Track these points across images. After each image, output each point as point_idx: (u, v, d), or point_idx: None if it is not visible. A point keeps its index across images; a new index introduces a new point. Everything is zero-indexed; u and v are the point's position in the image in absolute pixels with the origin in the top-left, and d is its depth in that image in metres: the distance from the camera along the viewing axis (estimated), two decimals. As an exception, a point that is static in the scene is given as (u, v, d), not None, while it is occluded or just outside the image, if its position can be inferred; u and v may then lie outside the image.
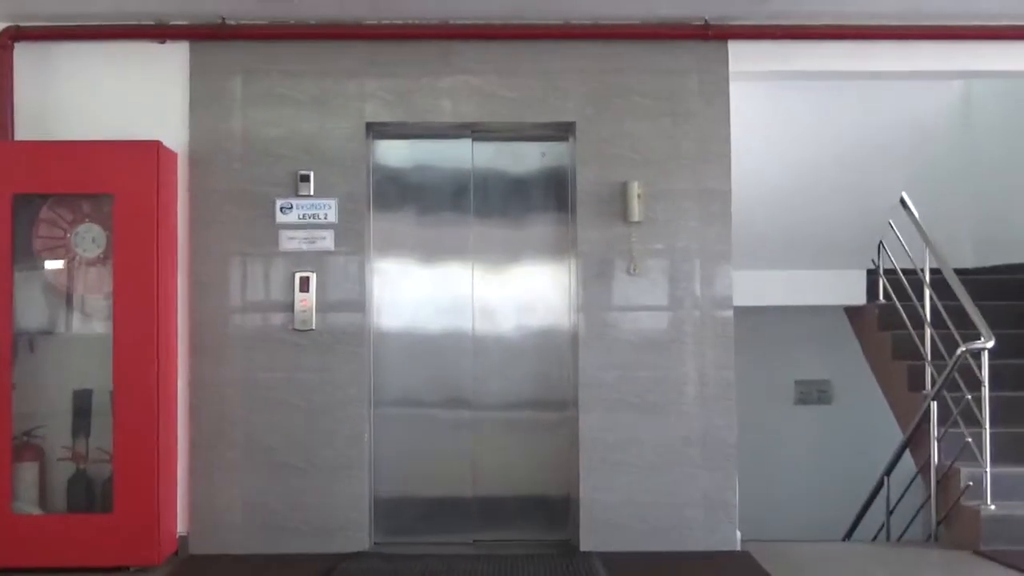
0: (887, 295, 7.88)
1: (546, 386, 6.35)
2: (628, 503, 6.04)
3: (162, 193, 5.73)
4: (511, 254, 6.38)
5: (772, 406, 9.15)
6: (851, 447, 9.00)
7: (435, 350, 6.33)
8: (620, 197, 6.07)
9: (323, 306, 6.05)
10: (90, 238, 5.83)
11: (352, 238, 6.08)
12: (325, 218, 6.06)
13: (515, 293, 6.38)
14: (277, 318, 6.04)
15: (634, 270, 6.06)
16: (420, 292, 6.34)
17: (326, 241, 6.07)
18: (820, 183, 7.27)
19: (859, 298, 8.12)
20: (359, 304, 6.07)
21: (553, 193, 6.36)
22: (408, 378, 6.32)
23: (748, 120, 6.33)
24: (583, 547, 6.03)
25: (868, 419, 8.93)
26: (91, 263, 5.85)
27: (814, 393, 9.30)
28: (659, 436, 6.07)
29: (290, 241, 6.06)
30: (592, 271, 6.09)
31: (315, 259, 6.06)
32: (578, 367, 6.09)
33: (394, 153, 6.36)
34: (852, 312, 8.51)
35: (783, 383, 9.36)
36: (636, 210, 6.02)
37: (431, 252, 6.36)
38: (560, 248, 6.32)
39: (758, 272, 7.57)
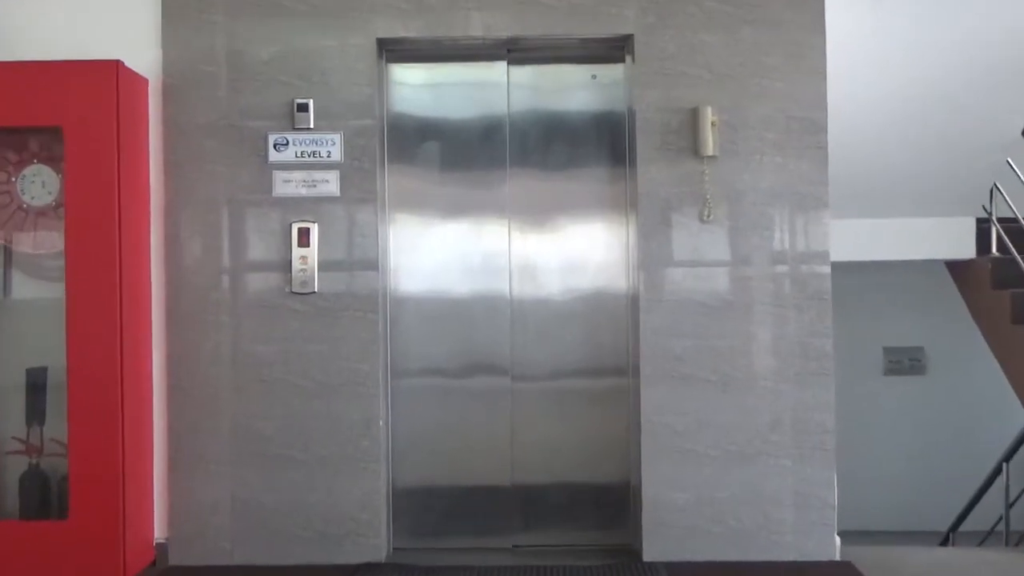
0: (1002, 247, 6.64)
1: (599, 357, 5.22)
2: (701, 501, 4.93)
3: (126, 126, 4.65)
4: (554, 201, 5.24)
5: (857, 377, 7.98)
6: (950, 425, 7.83)
7: (465, 317, 5.23)
8: (689, 126, 4.91)
9: (327, 264, 4.96)
10: (39, 183, 4.78)
11: (362, 181, 4.97)
12: (328, 156, 4.96)
13: (560, 247, 5.24)
14: (271, 279, 4.96)
15: (707, 216, 4.92)
16: (446, 247, 5.22)
17: (330, 185, 4.96)
18: (924, 113, 6.04)
19: (967, 251, 6.88)
20: (371, 261, 4.97)
21: (606, 127, 5.21)
22: (432, 351, 5.21)
23: (839, 36, 5.12)
24: (646, 556, 4.92)
25: (971, 392, 7.77)
26: (42, 213, 4.80)
27: (905, 362, 8.12)
28: (739, 419, 4.94)
29: (286, 185, 4.96)
30: (655, 219, 4.95)
31: (316, 207, 4.96)
32: (639, 336, 4.96)
33: (413, 77, 5.24)
34: (957, 267, 7.29)
35: (870, 351, 8.18)
36: (710, 142, 4.87)
37: (459, 200, 5.23)
38: (614, 192, 5.18)
39: (844, 221, 6.37)
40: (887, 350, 8.16)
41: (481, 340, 5.22)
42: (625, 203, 5.14)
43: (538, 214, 5.23)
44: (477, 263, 5.22)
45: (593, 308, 5.21)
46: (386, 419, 5.07)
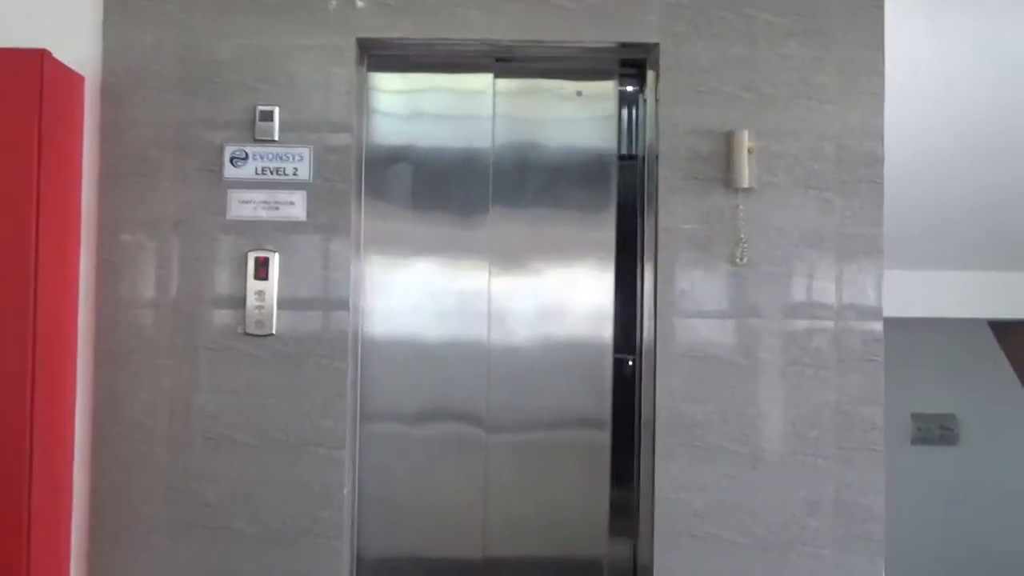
0: (1060, 306, 5.91)
1: (598, 417, 4.45)
2: (725, 598, 4.16)
3: (52, 130, 3.88)
4: (545, 244, 4.47)
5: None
6: (987, 504, 7.04)
7: (448, 366, 4.44)
8: (722, 153, 4.17)
9: (288, 302, 4.18)
10: (-54, 193, 4.01)
11: (333, 206, 4.20)
12: (294, 174, 4.20)
13: (549, 297, 4.47)
14: (221, 317, 4.18)
15: (741, 259, 4.16)
16: (433, 286, 4.44)
17: (295, 208, 4.19)
18: (984, 148, 5.28)
19: (1020, 310, 6.13)
20: (341, 301, 4.20)
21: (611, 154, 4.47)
22: (406, 404, 4.43)
23: (897, 55, 4.39)
24: (657, 662, 4.15)
25: (1009, 466, 7.00)
26: (-52, 230, 4.02)
27: (935, 431, 7.33)
28: (772, 499, 4.17)
29: (243, 206, 4.19)
30: (677, 260, 4.20)
31: (278, 234, 4.19)
32: (654, 397, 4.19)
33: (398, 86, 4.48)
34: (1004, 328, 6.53)
35: (896, 416, 7.39)
36: (745, 171, 4.12)
37: (445, 235, 4.46)
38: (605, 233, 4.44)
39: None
40: (915, 416, 7.37)
41: (465, 397, 4.44)
42: (637, 241, 4.39)
43: (522, 257, 4.45)
44: (469, 303, 4.44)
45: (587, 364, 4.43)
46: (352, 486, 4.28)
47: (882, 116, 4.21)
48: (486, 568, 4.44)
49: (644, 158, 4.39)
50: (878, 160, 4.19)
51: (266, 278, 4.15)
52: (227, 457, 4.15)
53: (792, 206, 4.19)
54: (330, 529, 4.16)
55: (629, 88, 4.51)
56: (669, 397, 4.18)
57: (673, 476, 4.17)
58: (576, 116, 4.46)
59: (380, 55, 4.39)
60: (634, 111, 4.50)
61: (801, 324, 4.19)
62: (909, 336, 7.04)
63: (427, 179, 4.43)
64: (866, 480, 4.17)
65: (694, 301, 4.20)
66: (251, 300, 4.14)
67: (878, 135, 4.20)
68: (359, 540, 4.36)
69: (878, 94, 4.21)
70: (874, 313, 4.20)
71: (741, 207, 4.17)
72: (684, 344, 4.19)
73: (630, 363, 4.49)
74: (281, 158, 4.18)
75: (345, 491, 4.18)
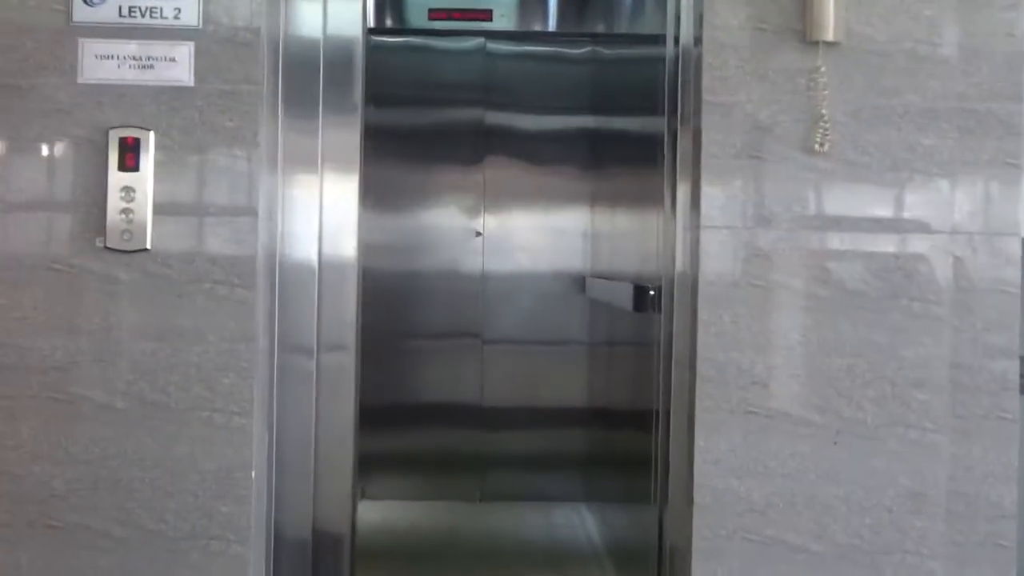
0: None
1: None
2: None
3: None
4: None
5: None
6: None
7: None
8: (794, -10, 2.90)
9: (169, 205, 2.89)
10: None
11: (236, 62, 2.90)
12: (177, 18, 2.89)
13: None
14: (70, 225, 2.88)
15: (821, 145, 2.88)
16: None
17: (178, 67, 2.88)
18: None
19: None
20: (246, 204, 2.91)
21: None
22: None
23: None
24: None
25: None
26: None
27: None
28: (859, 489, 2.94)
29: (102, 64, 2.88)
30: (726, 147, 2.91)
31: (154, 105, 2.89)
32: (693, 344, 2.92)
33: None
34: None
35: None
36: (829, 16, 2.83)
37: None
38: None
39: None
40: None
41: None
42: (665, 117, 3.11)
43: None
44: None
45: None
46: (264, 468, 3.01)
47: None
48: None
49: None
50: None
51: (136, 169, 2.86)
52: (82, 427, 2.88)
53: (894, 69, 2.90)
54: (231, 530, 2.90)
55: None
56: (714, 342, 2.92)
57: (720, 455, 2.92)
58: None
59: None
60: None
61: (903, 241, 2.93)
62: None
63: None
64: (993, 462, 2.92)
65: (752, 207, 2.92)
66: (114, 201, 2.85)
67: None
68: (277, 546, 3.10)
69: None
70: (1010, 226, 2.93)
71: (823, 69, 2.88)
72: (735, 269, 2.92)
73: (651, 293, 3.24)
74: (157, -6, 2.88)
75: (253, 475, 2.92)
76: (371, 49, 4.84)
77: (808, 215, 2.92)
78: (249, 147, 2.89)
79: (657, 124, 3.18)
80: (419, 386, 5.17)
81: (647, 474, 3.29)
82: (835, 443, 2.92)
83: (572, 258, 5.12)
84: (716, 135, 2.90)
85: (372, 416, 4.96)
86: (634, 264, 3.92)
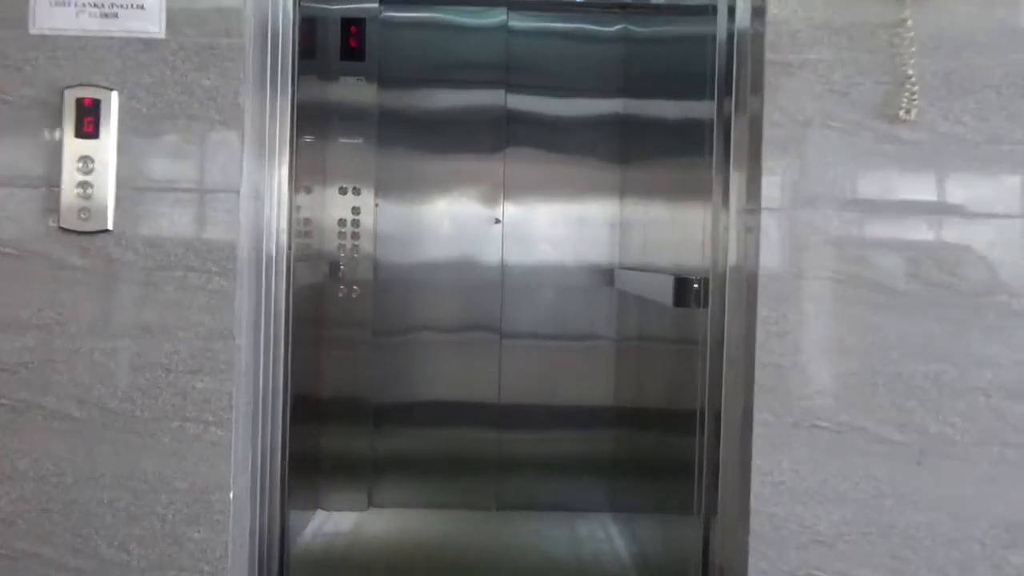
0: None
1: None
2: None
3: None
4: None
5: None
6: None
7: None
8: (875, -76, 2.44)
9: (133, 178, 2.46)
10: None
11: (215, 12, 2.46)
12: (145, -43, 2.46)
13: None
14: (20, 201, 2.45)
15: (907, 111, 2.43)
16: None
17: (146, 16, 2.45)
18: None
19: None
20: (227, 179, 2.47)
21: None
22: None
23: None
24: None
25: None
26: None
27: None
28: (945, 517, 2.50)
29: (58, 12, 2.45)
30: (792, 112, 2.46)
31: (118, 61, 2.45)
32: (750, 346, 2.48)
33: None
34: None
35: None
36: (918, -41, 2.39)
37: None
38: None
39: None
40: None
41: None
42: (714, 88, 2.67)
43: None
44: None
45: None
46: (247, 486, 2.59)
47: None
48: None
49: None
50: None
51: (95, 135, 2.42)
52: (31, 439, 2.46)
53: (995, 23, 2.45)
54: (205, 560, 2.47)
55: None
56: (775, 343, 2.47)
57: (781, 476, 2.48)
58: None
59: None
60: None
61: (1002, 228, 2.47)
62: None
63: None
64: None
65: (822, 186, 2.47)
66: (70, 173, 2.42)
67: None
68: (259, 577, 2.68)
69: None
70: None
71: (910, 23, 2.42)
72: (800, 259, 2.47)
73: (695, 286, 2.80)
74: (121, -69, 2.44)
75: (231, 496, 2.48)
76: (383, 25, 4.46)
77: (889, 196, 2.46)
78: (231, 112, 2.45)
79: (698, 103, 2.74)
80: (431, 383, 4.74)
81: (684, 483, 2.86)
82: (918, 464, 2.47)
83: (599, 248, 4.69)
84: (781, 101, 2.45)
85: (380, 415, 4.60)
86: (671, 255, 3.48)
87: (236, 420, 2.48)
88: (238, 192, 2.47)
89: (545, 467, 4.81)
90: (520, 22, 4.75)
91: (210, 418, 2.46)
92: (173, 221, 2.45)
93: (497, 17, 4.73)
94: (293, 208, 2.73)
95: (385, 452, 4.65)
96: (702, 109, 2.75)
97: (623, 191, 4.66)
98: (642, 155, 4.27)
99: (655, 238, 3.93)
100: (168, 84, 2.45)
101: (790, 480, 2.47)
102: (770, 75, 2.45)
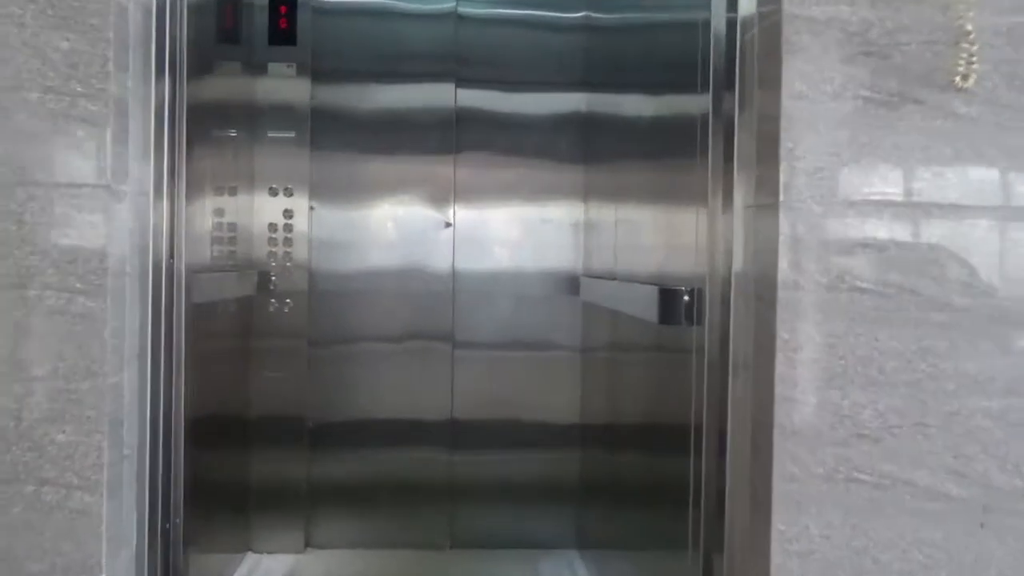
0: None
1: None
2: None
3: None
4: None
5: None
6: None
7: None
8: None
9: (-28, 166, 1.90)
10: None
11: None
12: None
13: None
14: None
15: (965, 76, 1.91)
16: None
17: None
18: None
19: None
20: (94, 172, 1.91)
21: None
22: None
23: None
24: None
25: None
26: None
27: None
28: (1012, 594, 1.98)
29: None
30: (822, 76, 1.94)
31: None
32: (769, 385, 1.96)
33: None
34: None
35: None
36: None
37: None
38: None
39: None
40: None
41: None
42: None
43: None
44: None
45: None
46: (125, 565, 2.02)
47: None
48: None
49: None
50: None
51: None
52: None
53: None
54: (70, 663, 1.91)
55: None
56: (800, 373, 1.94)
57: (809, 544, 1.95)
58: None
59: None
60: None
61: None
62: None
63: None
64: None
65: (857, 174, 1.95)
66: None
67: None
68: None
69: None
70: None
71: (969, -32, 1.91)
72: (831, 266, 1.95)
73: (685, 298, 2.28)
74: None
75: (104, 560, 1.92)
76: (316, 10, 3.95)
77: (942, 184, 1.94)
78: (102, 82, 1.89)
79: (681, 92, 2.21)
80: (376, 400, 4.20)
81: (669, 514, 2.34)
82: (982, 525, 1.95)
83: (561, 253, 4.18)
84: (803, 65, 1.92)
85: (318, 438, 4.08)
86: (649, 261, 2.95)
87: (109, 480, 1.91)
88: (109, 187, 1.90)
89: (504, 494, 4.29)
90: (471, 8, 4.23)
91: (74, 480, 1.89)
92: (22, 225, 1.89)
93: (446, 3, 4.21)
94: (209, 211, 2.17)
95: (324, 480, 4.11)
96: (686, 99, 2.23)
97: (587, 192, 4.15)
98: (613, 154, 3.75)
99: (629, 242, 3.41)
100: (16, 47, 1.88)
101: (821, 549, 1.94)
102: (789, 33, 1.92)
